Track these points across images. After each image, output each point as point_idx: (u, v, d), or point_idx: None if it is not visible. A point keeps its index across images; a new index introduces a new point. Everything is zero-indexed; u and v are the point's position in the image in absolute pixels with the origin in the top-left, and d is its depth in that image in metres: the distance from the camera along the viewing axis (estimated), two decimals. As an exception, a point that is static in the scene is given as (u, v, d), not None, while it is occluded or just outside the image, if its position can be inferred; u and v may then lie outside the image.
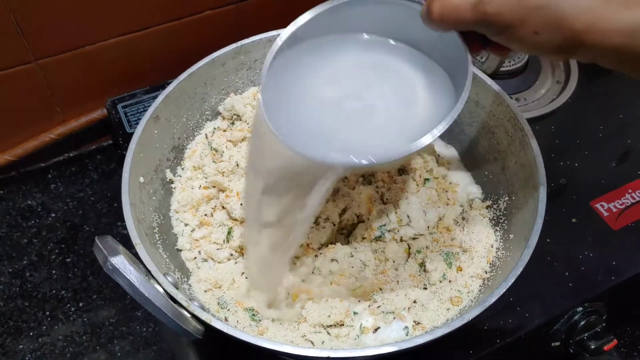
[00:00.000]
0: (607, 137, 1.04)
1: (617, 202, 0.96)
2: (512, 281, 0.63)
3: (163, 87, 1.02)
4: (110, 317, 0.99)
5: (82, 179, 1.15)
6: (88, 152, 1.18)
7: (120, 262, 0.57)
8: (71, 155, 1.17)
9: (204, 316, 0.62)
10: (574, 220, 0.93)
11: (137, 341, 0.97)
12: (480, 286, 0.72)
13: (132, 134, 1.01)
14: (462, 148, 0.88)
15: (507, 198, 0.79)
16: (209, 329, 0.63)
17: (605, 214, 0.94)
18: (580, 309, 0.86)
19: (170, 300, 0.60)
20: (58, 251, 1.05)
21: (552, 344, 0.89)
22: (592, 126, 1.06)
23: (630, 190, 0.97)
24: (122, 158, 1.14)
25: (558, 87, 1.12)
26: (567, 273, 0.88)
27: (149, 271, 0.64)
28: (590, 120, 1.07)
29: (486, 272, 0.73)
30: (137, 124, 1.02)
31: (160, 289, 0.61)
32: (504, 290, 0.62)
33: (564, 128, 1.06)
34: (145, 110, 0.99)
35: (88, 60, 1.04)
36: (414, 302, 0.72)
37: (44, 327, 0.98)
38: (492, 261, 0.74)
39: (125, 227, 1.06)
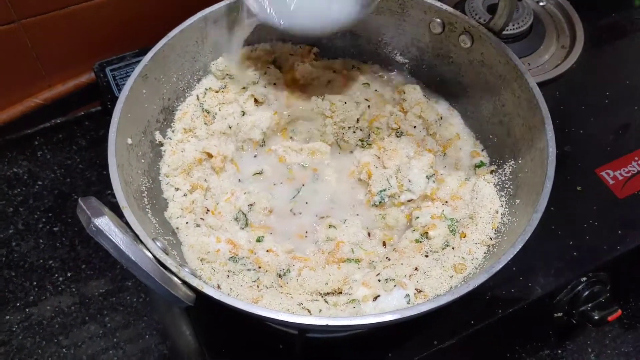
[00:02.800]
0: (613, 103, 1.01)
1: (623, 170, 0.93)
2: (520, 247, 0.60)
3: (154, 51, 0.98)
4: (100, 287, 0.96)
5: (69, 146, 1.11)
6: (76, 118, 1.14)
7: (105, 223, 0.53)
8: (58, 121, 1.13)
9: (195, 282, 0.58)
10: (578, 188, 0.91)
11: (128, 312, 0.94)
12: (484, 253, 0.69)
13: (121, 98, 0.97)
14: (465, 111, 0.85)
15: (512, 162, 0.75)
16: (200, 296, 0.59)
17: (611, 182, 0.92)
18: (584, 279, 0.84)
19: (159, 265, 0.57)
20: (45, 220, 1.02)
21: (555, 315, 0.87)
22: (598, 92, 1.03)
23: (636, 158, 0.94)
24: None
25: (563, 52, 1.08)
26: (571, 242, 0.85)
27: (137, 236, 0.61)
28: (596, 86, 1.03)
29: (491, 239, 0.70)
30: (127, 87, 0.98)
31: (149, 254, 0.58)
32: (512, 256, 0.59)
33: (569, 94, 1.02)
34: (135, 74, 0.96)
35: (74, 20, 1.00)
36: (416, 269, 0.69)
37: (32, 298, 0.95)
38: (498, 227, 0.71)
39: (114, 196, 1.04)
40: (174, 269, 0.59)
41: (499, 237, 0.70)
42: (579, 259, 0.84)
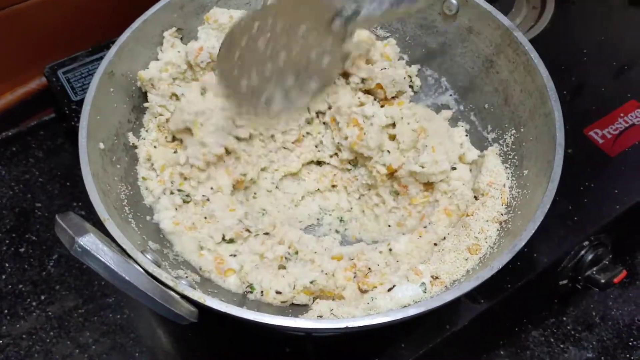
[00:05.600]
0: (592, 60, 0.99)
1: (611, 128, 0.91)
2: (541, 220, 0.57)
3: (108, 47, 0.90)
4: (79, 307, 0.89)
5: (25, 159, 1.03)
6: (29, 128, 1.06)
7: (91, 242, 0.47)
8: (10, 133, 1.05)
9: (195, 296, 0.53)
10: (569, 151, 0.86)
11: (113, 330, 0.87)
12: (498, 230, 0.65)
13: (78, 101, 0.90)
14: (456, 82, 0.81)
15: (514, 131, 0.72)
16: (203, 309, 0.54)
17: (601, 141, 0.90)
18: (587, 242, 0.82)
19: (156, 282, 0.51)
20: (9, 241, 0.94)
21: (560, 283, 0.85)
22: (575, 51, 1.00)
23: (622, 114, 0.93)
24: (68, 132, 1.04)
25: (535, 12, 1.05)
26: (570, 207, 0.83)
27: (123, 250, 0.55)
28: (573, 44, 1.02)
29: (502, 215, 0.66)
30: (84, 90, 0.91)
31: (142, 270, 0.52)
32: (533, 231, 0.56)
33: (547, 55, 0.96)
34: (91, 75, 0.89)
35: (16, 22, 0.92)
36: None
37: (4, 328, 0.87)
38: (508, 202, 0.67)
39: (83, 208, 0.97)
40: (170, 283, 0.53)
41: (511, 212, 0.66)
42: (580, 223, 0.82)
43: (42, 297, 0.90)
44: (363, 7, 0.63)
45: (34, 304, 0.89)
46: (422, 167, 0.70)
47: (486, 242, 0.65)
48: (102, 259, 0.49)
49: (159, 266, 0.55)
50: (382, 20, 0.68)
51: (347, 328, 0.52)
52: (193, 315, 0.55)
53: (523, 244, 0.56)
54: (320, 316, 0.60)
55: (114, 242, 0.55)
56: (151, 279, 0.52)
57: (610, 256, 0.84)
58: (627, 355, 0.88)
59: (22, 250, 0.93)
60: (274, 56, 0.61)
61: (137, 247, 0.56)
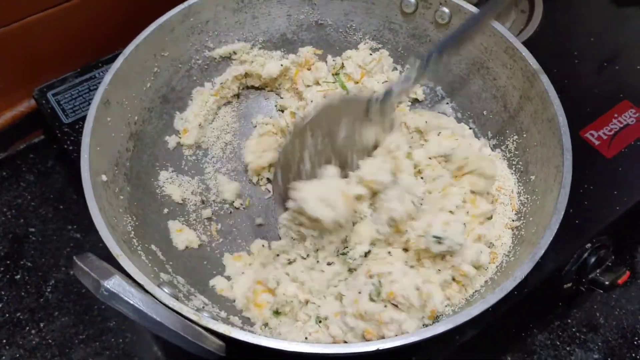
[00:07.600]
0: (583, 62, 1.00)
1: (606, 129, 0.91)
2: (557, 227, 0.56)
3: (97, 67, 0.89)
4: (79, 333, 0.87)
5: (16, 183, 1.01)
6: (18, 151, 1.04)
7: (118, 284, 0.46)
8: (-1, 158, 1.03)
9: (221, 328, 0.52)
10: (567, 154, 0.88)
11: (115, 355, 0.86)
12: (512, 237, 0.65)
13: (70, 124, 0.88)
14: (452, 90, 0.81)
15: (516, 137, 0.71)
16: (229, 341, 0.53)
17: (597, 142, 0.90)
18: (589, 245, 0.82)
19: (185, 319, 0.50)
20: (3, 269, 0.92)
21: (565, 286, 0.85)
22: (566, 53, 1.01)
23: (616, 115, 0.93)
24: (59, 154, 1.02)
25: (524, 17, 1.06)
26: (571, 210, 0.82)
27: (140, 286, 0.53)
28: (563, 47, 1.02)
29: (514, 221, 0.66)
30: (74, 112, 0.89)
31: (169, 308, 0.51)
32: (551, 238, 0.55)
33: (538, 59, 0.99)
34: (82, 96, 0.88)
35: (3, 44, 0.90)
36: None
37: (3, 357, 0.85)
38: (518, 208, 0.67)
39: (78, 230, 0.95)
40: (193, 317, 0.52)
41: (522, 218, 0.65)
42: (582, 226, 0.82)
43: (41, 325, 0.88)
44: (394, 85, 0.68)
45: (33, 332, 0.87)
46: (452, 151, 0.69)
47: (502, 249, 0.64)
48: (131, 301, 0.47)
49: (177, 299, 0.54)
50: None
51: (378, 350, 0.52)
52: (221, 350, 0.53)
53: (542, 252, 0.56)
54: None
55: (131, 278, 0.54)
56: (180, 317, 0.51)
57: (613, 257, 0.84)
58: (633, 355, 0.89)
59: (17, 277, 0.92)
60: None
61: (153, 282, 0.54)
